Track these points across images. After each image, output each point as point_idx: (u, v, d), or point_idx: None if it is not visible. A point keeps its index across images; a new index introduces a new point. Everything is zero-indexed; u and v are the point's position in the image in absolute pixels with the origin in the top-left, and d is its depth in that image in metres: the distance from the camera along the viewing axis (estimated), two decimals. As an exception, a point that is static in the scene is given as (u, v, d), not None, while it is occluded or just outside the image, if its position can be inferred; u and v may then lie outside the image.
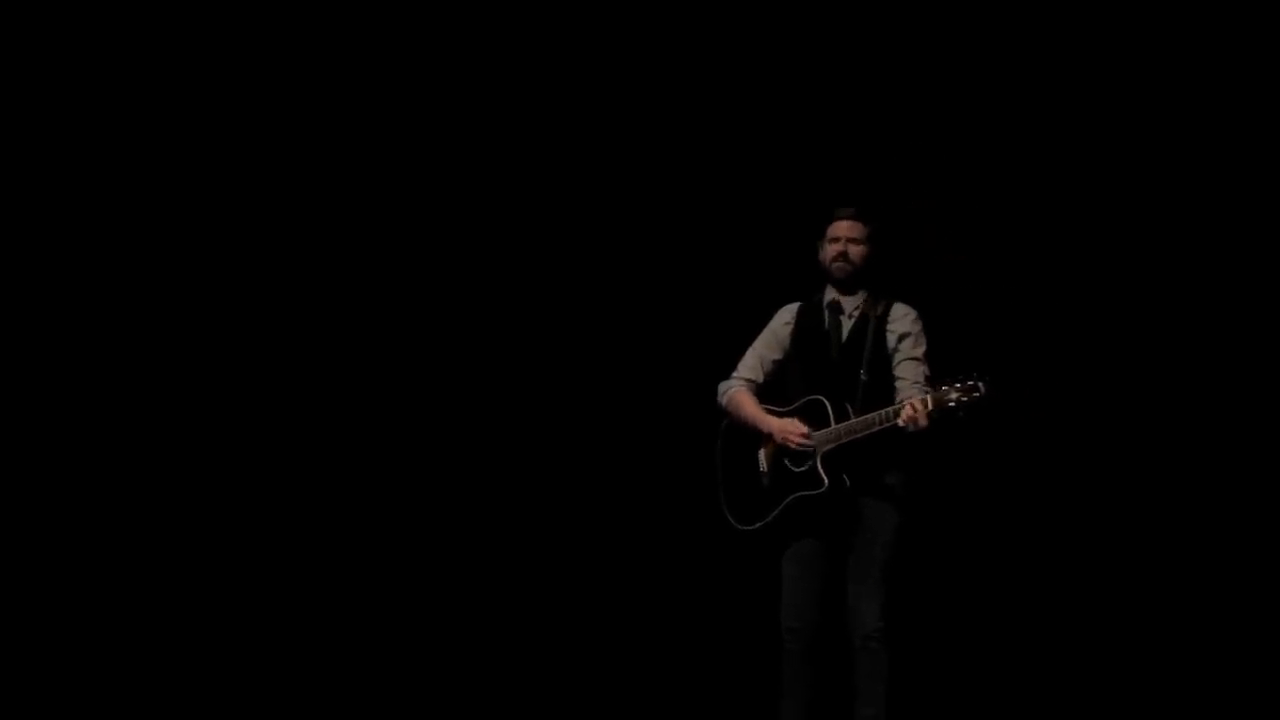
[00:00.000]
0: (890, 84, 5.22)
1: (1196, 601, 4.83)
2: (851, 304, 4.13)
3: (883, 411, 3.84)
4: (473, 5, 5.34)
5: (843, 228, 4.10)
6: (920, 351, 4.06)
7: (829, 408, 3.97)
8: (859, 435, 3.89)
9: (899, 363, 4.06)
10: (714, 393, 4.28)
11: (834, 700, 4.14)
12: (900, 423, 3.75)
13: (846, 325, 4.12)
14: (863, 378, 4.01)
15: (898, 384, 4.04)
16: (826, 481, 3.93)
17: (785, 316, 4.24)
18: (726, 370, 4.29)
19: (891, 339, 4.08)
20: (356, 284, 5.40)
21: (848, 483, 3.95)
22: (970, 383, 3.69)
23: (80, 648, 5.03)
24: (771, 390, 4.21)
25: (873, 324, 4.08)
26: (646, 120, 5.32)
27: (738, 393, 4.22)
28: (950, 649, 4.93)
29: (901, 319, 4.10)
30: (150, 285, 5.29)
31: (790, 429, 4.00)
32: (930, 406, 3.72)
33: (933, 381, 3.92)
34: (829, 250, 4.11)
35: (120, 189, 5.26)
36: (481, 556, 5.30)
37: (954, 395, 3.69)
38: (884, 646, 4.01)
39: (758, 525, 4.10)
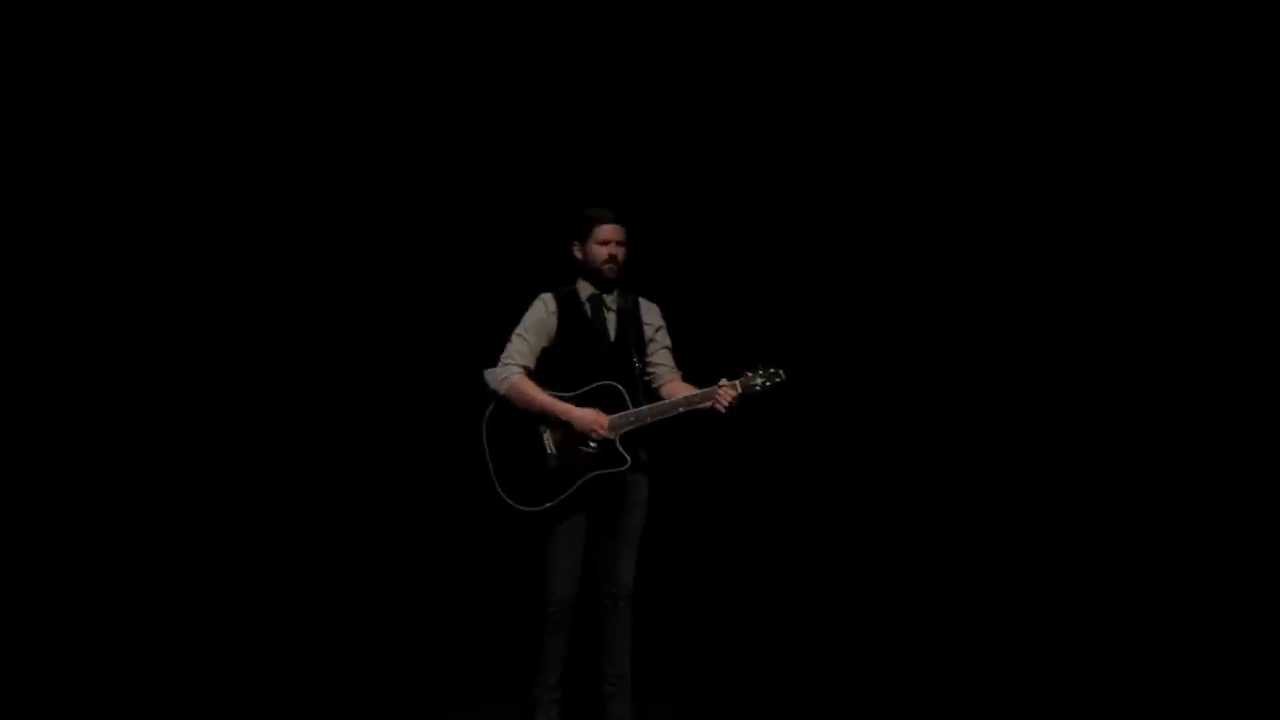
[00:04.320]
0: (642, 88, 5.48)
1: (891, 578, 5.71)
2: (611, 299, 4.53)
3: (693, 395, 4.35)
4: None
5: (613, 231, 4.46)
6: (669, 342, 4.63)
7: (625, 392, 4.37)
8: (665, 417, 4.36)
9: (655, 351, 4.59)
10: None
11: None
12: (720, 406, 4.32)
13: (610, 318, 4.52)
14: (637, 366, 4.48)
15: (656, 370, 4.57)
16: (630, 459, 4.34)
17: (550, 306, 4.47)
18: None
19: (649, 330, 4.59)
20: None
21: (644, 457, 4.41)
22: (772, 370, 4.40)
23: (58, 644, 5.12)
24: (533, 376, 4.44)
25: (630, 317, 4.55)
26: (381, 119, 5.27)
27: (521, 380, 4.37)
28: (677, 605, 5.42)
29: (651, 312, 4.62)
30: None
31: (597, 418, 4.31)
32: (740, 391, 4.35)
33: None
34: (599, 251, 4.44)
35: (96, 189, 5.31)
36: (226, 540, 5.41)
37: (759, 381, 4.38)
38: (631, 604, 4.53)
39: (548, 505, 4.32)
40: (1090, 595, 5.43)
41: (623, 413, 4.36)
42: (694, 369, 4.54)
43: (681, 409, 4.36)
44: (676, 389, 4.50)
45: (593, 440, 4.33)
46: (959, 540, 5.71)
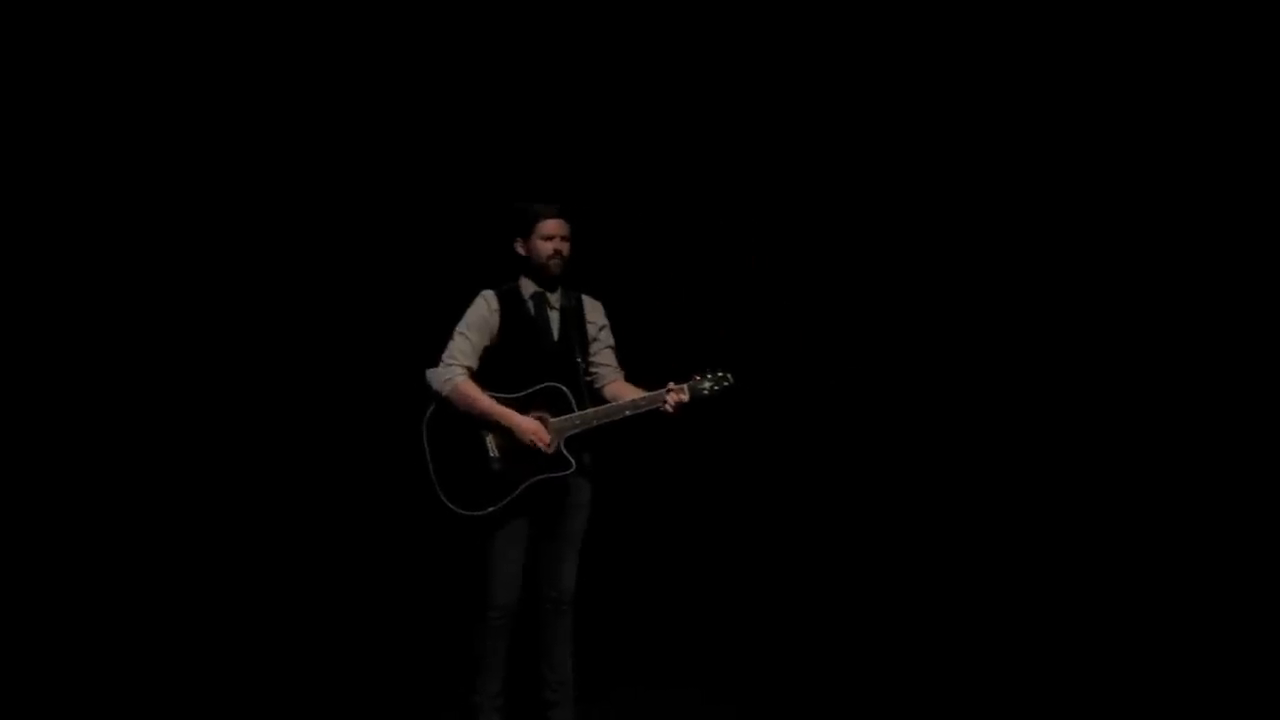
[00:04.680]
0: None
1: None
2: (554, 297, 4.40)
3: (639, 398, 4.25)
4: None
5: (557, 226, 4.33)
6: (613, 341, 4.52)
7: (570, 395, 4.26)
8: (611, 420, 4.25)
9: (599, 351, 4.47)
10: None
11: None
12: (668, 409, 4.22)
13: (554, 317, 4.39)
14: (581, 366, 4.36)
15: (599, 370, 4.46)
16: (574, 463, 4.23)
17: (492, 303, 4.33)
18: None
19: (592, 329, 4.47)
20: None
21: (587, 461, 4.30)
22: (720, 374, 4.30)
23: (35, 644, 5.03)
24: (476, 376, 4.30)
25: (573, 316, 4.42)
26: (318, 113, 5.14)
27: (464, 383, 4.24)
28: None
29: (595, 310, 4.50)
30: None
31: (540, 432, 4.18)
32: (688, 395, 4.26)
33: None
34: (544, 247, 4.31)
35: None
36: (156, 549, 5.26)
37: (707, 385, 4.28)
38: (572, 609, 4.43)
39: (491, 509, 4.20)
40: (1052, 594, 5.44)
41: (568, 415, 4.25)
42: (644, 370, 4.43)
43: (628, 412, 4.25)
44: (620, 390, 4.40)
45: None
46: (908, 539, 5.72)
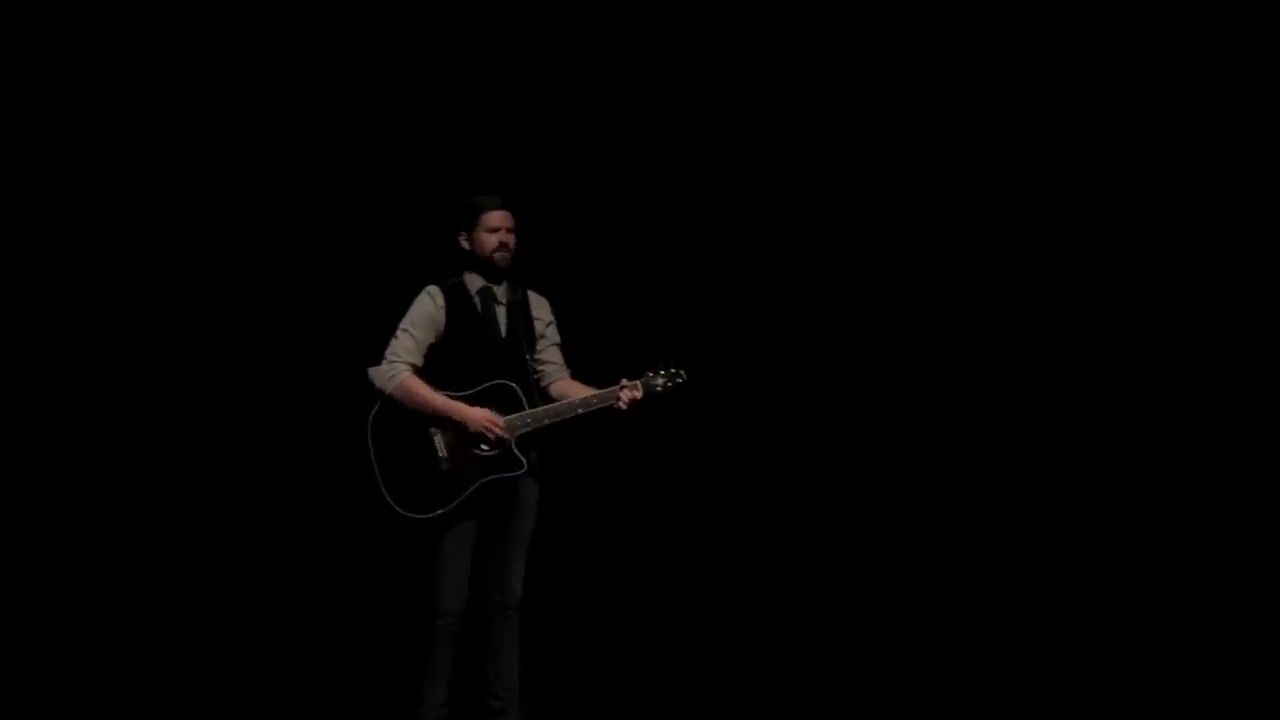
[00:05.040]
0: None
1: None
2: (501, 291, 4.27)
3: (592, 395, 4.14)
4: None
5: (502, 218, 4.21)
6: (559, 338, 4.41)
7: (520, 393, 4.13)
8: (563, 418, 4.13)
9: (545, 348, 4.36)
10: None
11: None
12: (622, 406, 4.12)
13: (501, 312, 4.26)
14: (530, 363, 4.24)
15: (545, 368, 4.34)
16: (526, 463, 4.10)
17: (437, 299, 4.18)
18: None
19: (539, 325, 4.35)
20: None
21: (534, 459, 4.18)
22: (674, 370, 4.23)
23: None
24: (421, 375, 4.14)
25: (520, 311, 4.30)
26: (257, 106, 4.97)
27: (409, 379, 4.08)
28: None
29: (541, 306, 4.38)
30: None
31: (493, 419, 4.05)
32: (642, 392, 4.17)
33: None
34: (489, 240, 4.18)
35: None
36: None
37: (660, 381, 4.20)
38: (518, 614, 4.31)
39: (440, 512, 4.04)
40: (1038, 597, 5.43)
41: (519, 413, 4.12)
42: (596, 367, 4.33)
43: (581, 410, 4.15)
44: (567, 388, 4.29)
45: (484, 444, 4.08)
46: (852, 537, 5.71)
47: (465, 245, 4.23)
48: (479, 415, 4.07)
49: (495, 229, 4.19)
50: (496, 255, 4.19)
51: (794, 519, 5.75)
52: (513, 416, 4.11)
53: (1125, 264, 5.43)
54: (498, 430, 4.05)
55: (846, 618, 5.53)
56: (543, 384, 4.32)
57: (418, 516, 4.05)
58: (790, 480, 5.75)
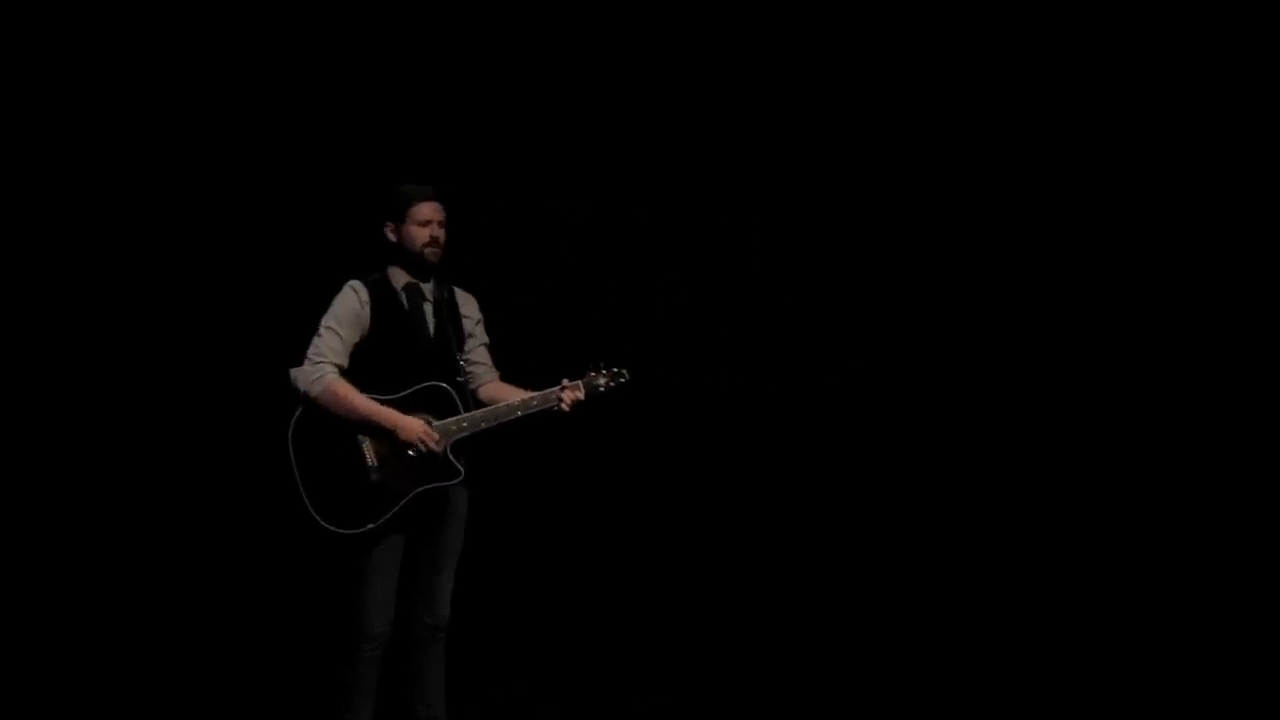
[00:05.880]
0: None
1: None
2: (428, 288, 3.98)
3: (531, 397, 3.89)
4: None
5: (433, 210, 3.92)
6: (488, 338, 4.14)
7: (454, 395, 3.85)
8: (501, 421, 3.87)
9: (474, 348, 4.09)
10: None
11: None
12: (564, 408, 3.87)
13: (429, 310, 3.97)
14: (460, 363, 3.96)
15: (475, 369, 4.07)
16: (462, 470, 3.82)
17: (362, 296, 3.86)
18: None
19: (468, 324, 4.08)
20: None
21: (464, 466, 3.88)
22: (616, 369, 4.00)
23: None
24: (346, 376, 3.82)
25: (448, 309, 4.02)
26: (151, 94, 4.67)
27: (336, 382, 3.75)
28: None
29: (469, 304, 4.12)
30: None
31: (428, 432, 3.76)
32: (584, 393, 3.93)
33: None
34: (419, 233, 3.89)
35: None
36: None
37: (602, 381, 3.97)
38: (445, 635, 4.02)
39: (370, 526, 3.72)
40: (1025, 597, 5.38)
41: (454, 417, 3.84)
42: (540, 366, 4.08)
43: (520, 413, 3.89)
44: (497, 391, 4.04)
45: (411, 451, 3.78)
46: (852, 537, 5.63)
47: (391, 238, 3.93)
48: (412, 424, 3.77)
49: (426, 222, 3.91)
50: (427, 251, 3.90)
51: (794, 519, 5.65)
52: (447, 420, 3.83)
53: (1125, 264, 5.41)
54: (432, 444, 3.77)
55: (847, 617, 5.42)
56: (471, 386, 4.04)
57: (345, 532, 3.72)
58: (790, 480, 5.64)
